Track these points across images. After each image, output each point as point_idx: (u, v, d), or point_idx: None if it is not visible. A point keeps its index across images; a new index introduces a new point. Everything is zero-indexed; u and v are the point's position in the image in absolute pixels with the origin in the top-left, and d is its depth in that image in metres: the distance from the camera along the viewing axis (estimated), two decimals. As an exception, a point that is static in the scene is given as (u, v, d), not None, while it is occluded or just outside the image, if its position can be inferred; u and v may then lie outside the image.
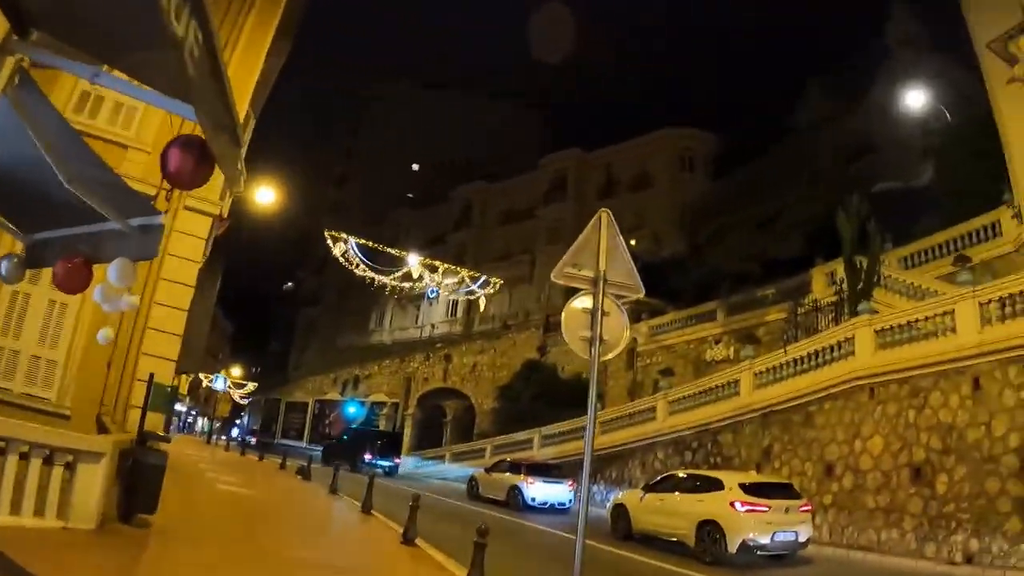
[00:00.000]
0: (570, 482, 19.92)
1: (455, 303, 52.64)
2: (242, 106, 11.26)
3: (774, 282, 24.98)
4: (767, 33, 61.59)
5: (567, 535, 11.92)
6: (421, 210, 59.88)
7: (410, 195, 62.56)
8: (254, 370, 70.27)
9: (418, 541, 9.84)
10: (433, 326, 53.79)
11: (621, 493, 16.09)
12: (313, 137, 69.32)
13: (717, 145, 45.30)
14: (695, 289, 29.63)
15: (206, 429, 58.55)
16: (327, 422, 49.71)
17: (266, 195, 15.37)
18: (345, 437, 38.85)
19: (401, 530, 10.23)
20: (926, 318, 13.39)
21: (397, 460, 31.76)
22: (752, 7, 62.97)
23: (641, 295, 5.46)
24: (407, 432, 40.30)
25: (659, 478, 14.70)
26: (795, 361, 16.64)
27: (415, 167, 64.59)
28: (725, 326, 26.54)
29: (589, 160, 49.45)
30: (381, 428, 41.94)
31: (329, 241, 27.31)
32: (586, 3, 75.89)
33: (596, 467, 21.75)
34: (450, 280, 29.39)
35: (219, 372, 51.52)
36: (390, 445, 32.52)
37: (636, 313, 29.53)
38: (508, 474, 20.47)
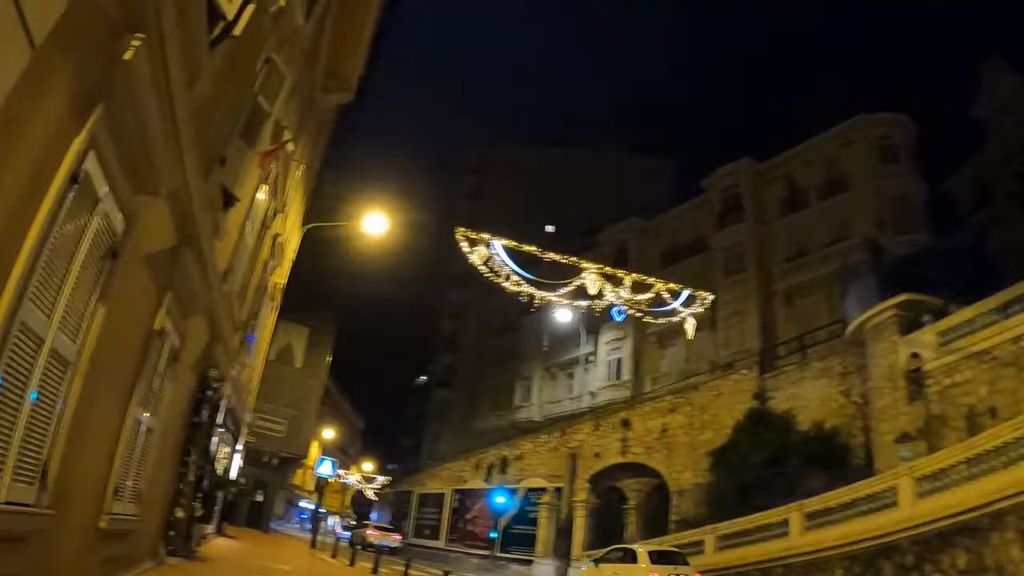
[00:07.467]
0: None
1: (619, 364, 43.85)
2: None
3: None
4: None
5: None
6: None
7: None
8: (389, 466, 66.21)
9: None
10: (593, 394, 44.83)
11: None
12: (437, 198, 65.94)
13: (915, 129, 35.82)
14: (976, 277, 19.77)
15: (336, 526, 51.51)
16: (469, 516, 40.76)
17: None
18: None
19: None
20: None
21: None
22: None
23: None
24: (577, 524, 30.88)
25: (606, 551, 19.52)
26: None
27: (549, 229, 57.59)
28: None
29: (764, 171, 40.12)
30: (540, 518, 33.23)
31: (465, 246, 19.72)
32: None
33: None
34: (642, 296, 20.46)
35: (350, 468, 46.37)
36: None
37: (908, 320, 19.96)
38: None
